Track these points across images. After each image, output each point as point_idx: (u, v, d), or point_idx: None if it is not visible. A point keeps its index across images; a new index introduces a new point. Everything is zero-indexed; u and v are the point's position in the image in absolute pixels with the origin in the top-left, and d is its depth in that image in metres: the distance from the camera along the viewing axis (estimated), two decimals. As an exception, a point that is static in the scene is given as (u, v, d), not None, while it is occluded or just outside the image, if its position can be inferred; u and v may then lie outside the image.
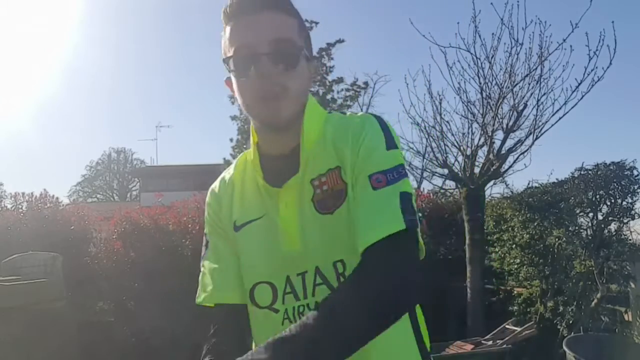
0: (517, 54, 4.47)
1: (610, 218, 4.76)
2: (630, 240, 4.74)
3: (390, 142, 0.90)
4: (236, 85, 0.90)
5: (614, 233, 4.76)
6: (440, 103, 4.98)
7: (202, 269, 1.03)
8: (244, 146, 8.20)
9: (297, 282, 0.91)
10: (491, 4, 4.48)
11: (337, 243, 0.88)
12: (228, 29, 0.90)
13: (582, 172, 4.90)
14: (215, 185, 1.06)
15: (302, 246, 0.90)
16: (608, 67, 4.05)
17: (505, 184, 5.76)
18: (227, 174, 1.05)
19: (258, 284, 0.94)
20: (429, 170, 5.92)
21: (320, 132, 0.94)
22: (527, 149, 4.60)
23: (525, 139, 4.57)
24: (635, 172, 4.65)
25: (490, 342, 4.03)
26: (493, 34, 4.59)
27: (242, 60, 0.87)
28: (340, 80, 15.00)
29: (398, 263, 0.81)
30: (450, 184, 6.07)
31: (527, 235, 4.99)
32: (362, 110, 16.69)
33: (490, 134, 4.69)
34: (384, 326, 0.78)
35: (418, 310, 0.99)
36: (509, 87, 4.54)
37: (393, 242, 0.80)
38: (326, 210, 0.89)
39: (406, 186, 0.86)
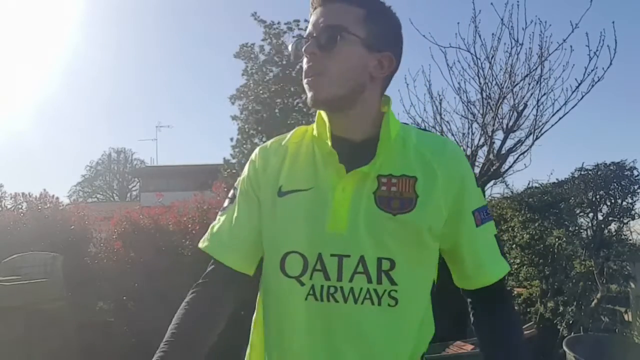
0: (517, 54, 4.47)
1: (610, 218, 4.77)
2: (630, 240, 4.75)
3: (476, 179, 1.01)
4: None
5: (614, 233, 4.76)
6: (440, 103, 4.98)
7: (218, 218, 1.06)
8: (244, 146, 8.18)
9: (330, 263, 0.92)
10: (491, 4, 4.47)
11: (390, 243, 0.92)
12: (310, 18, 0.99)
13: (582, 172, 4.90)
14: (267, 144, 1.07)
15: (350, 231, 0.92)
16: (608, 67, 4.04)
17: (505, 184, 5.74)
18: (281, 138, 1.06)
19: (291, 253, 0.94)
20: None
21: (398, 134, 0.98)
22: (527, 149, 4.59)
23: (525, 139, 4.56)
24: (635, 172, 4.66)
25: (490, 342, 4.02)
26: (493, 34, 4.58)
27: (301, 42, 0.97)
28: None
29: (512, 300, 1.05)
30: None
31: (527, 236, 4.99)
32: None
33: (490, 134, 4.69)
34: None
35: None
36: (509, 87, 4.54)
37: (505, 282, 1.04)
38: (388, 210, 0.92)
39: (495, 229, 1.04)
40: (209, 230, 1.05)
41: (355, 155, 0.95)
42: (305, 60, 0.95)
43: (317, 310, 0.91)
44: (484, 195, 5.32)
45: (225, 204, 1.07)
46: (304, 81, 0.95)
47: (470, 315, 1.06)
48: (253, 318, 1.05)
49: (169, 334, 0.93)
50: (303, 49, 0.94)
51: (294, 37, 8.84)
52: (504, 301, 1.03)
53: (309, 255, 0.93)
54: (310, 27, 0.96)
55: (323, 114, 1.00)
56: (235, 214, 1.02)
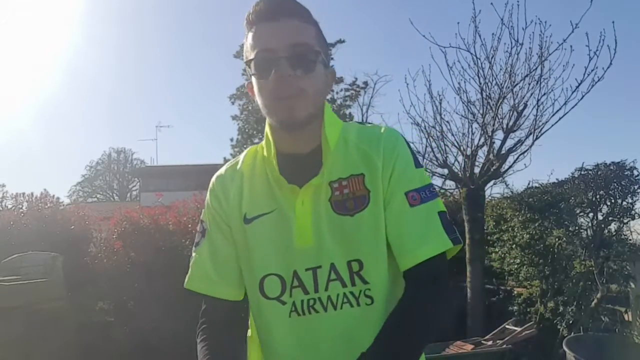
0: (517, 54, 4.48)
1: (610, 218, 4.77)
2: (630, 240, 4.74)
3: (417, 161, 0.99)
4: (256, 87, 0.95)
5: (614, 233, 4.76)
6: (440, 103, 4.99)
7: (194, 255, 1.05)
8: (244, 146, 8.20)
9: (306, 277, 0.95)
10: (491, 4, 4.48)
11: (354, 243, 0.94)
12: (250, 34, 0.95)
13: (582, 172, 4.90)
14: (222, 171, 1.07)
15: (316, 243, 0.94)
16: (608, 67, 4.05)
17: (505, 184, 5.75)
18: (234, 164, 1.06)
19: (268, 276, 0.97)
20: (428, 170, 5.90)
21: (339, 137, 0.99)
22: (527, 149, 4.60)
23: (525, 139, 4.57)
24: (635, 172, 4.66)
25: (490, 342, 4.03)
26: (493, 34, 4.59)
27: (262, 63, 0.92)
28: (340, 80, 15.01)
29: (445, 284, 0.95)
30: (450, 184, 6.06)
31: (527, 235, 4.99)
32: (362, 110, 16.69)
33: (490, 134, 4.69)
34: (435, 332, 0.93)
35: None
36: (509, 87, 4.54)
37: (441, 260, 0.93)
38: (345, 212, 0.94)
39: (442, 205, 0.97)
40: (190, 269, 1.05)
41: (306, 168, 0.96)
42: (274, 80, 0.90)
43: (302, 324, 0.95)
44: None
45: (197, 239, 1.06)
46: (276, 102, 0.92)
47: None
48: (247, 336, 1.07)
49: None
50: (277, 72, 0.89)
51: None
52: (423, 285, 0.91)
53: (285, 274, 0.96)
54: (265, 42, 0.91)
55: (269, 133, 1.00)
56: (213, 247, 1.03)
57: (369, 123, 1.08)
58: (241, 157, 1.07)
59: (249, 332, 1.07)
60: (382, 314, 0.93)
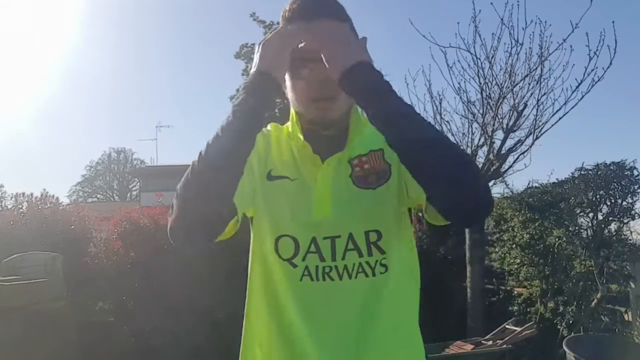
0: (517, 54, 4.47)
1: (610, 218, 4.77)
2: (630, 240, 4.74)
3: None
4: (289, 84, 0.96)
5: (614, 233, 4.76)
6: (440, 103, 4.99)
7: None
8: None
9: (324, 245, 0.96)
10: (491, 4, 4.47)
11: (375, 215, 0.97)
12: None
13: (582, 172, 4.90)
14: (265, 130, 1.08)
15: (335, 215, 0.97)
16: (608, 67, 4.04)
17: (505, 184, 5.75)
18: (262, 131, 1.06)
19: (283, 236, 0.99)
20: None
21: (359, 123, 1.03)
22: (527, 149, 4.59)
23: (525, 139, 4.57)
24: (635, 172, 4.66)
25: (490, 342, 4.03)
26: (493, 34, 4.58)
27: (297, 62, 0.91)
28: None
29: None
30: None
31: (527, 235, 4.99)
32: (361, 110, 16.77)
33: (490, 134, 4.69)
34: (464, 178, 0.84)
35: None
36: (509, 87, 4.54)
37: None
38: (367, 186, 0.98)
39: None
40: None
41: (327, 144, 1.00)
42: (309, 81, 0.92)
43: (313, 290, 0.96)
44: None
45: None
46: (310, 103, 0.95)
47: None
48: (247, 286, 1.06)
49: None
50: (310, 72, 0.91)
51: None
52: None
53: (301, 238, 0.97)
54: (306, 43, 0.90)
55: (295, 117, 1.02)
56: None
57: None
58: (267, 127, 1.09)
59: (249, 284, 1.06)
60: (394, 282, 0.97)
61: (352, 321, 0.95)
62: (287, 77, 0.96)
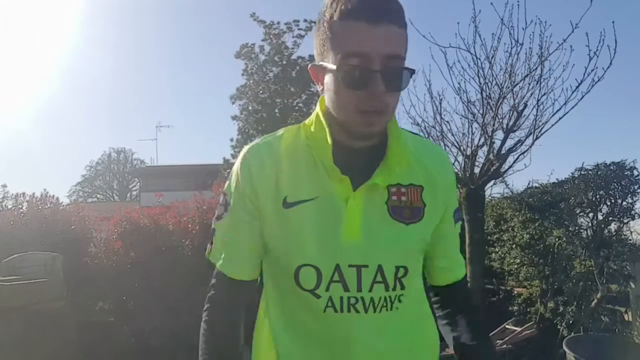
0: (517, 54, 4.46)
1: (610, 218, 4.77)
2: (630, 240, 4.75)
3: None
4: (333, 86, 0.87)
5: (614, 233, 4.77)
6: (440, 103, 4.98)
7: (215, 229, 1.01)
8: (244, 146, 8.17)
9: (349, 273, 0.91)
10: (491, 4, 4.46)
11: (405, 251, 0.95)
12: (342, 25, 0.84)
13: (582, 172, 4.91)
14: (259, 144, 0.98)
15: (365, 241, 0.91)
16: (608, 67, 4.03)
17: (505, 184, 5.75)
18: (270, 140, 0.98)
19: (304, 266, 0.92)
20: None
21: (401, 141, 0.95)
22: (527, 149, 4.58)
23: (525, 139, 4.56)
24: (635, 172, 4.66)
25: (490, 342, 4.02)
26: (493, 34, 4.58)
27: (352, 70, 0.83)
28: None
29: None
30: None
31: (527, 235, 4.99)
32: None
33: (490, 134, 4.68)
34: None
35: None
36: (509, 87, 4.54)
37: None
38: (401, 219, 0.94)
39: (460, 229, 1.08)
40: (213, 242, 1.01)
41: (360, 161, 0.93)
42: (364, 94, 0.84)
43: (337, 321, 0.92)
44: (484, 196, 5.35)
45: (219, 211, 1.00)
46: (357, 114, 0.86)
47: (438, 311, 1.10)
48: (258, 316, 1.05)
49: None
50: (368, 88, 0.83)
51: (294, 37, 8.83)
52: (468, 295, 1.12)
53: (324, 267, 0.91)
54: (360, 46, 0.82)
55: (323, 117, 0.93)
56: (235, 223, 0.97)
57: (414, 132, 1.07)
58: (279, 133, 0.99)
59: (260, 314, 1.05)
60: (404, 318, 0.97)
61: (369, 354, 0.94)
62: (330, 76, 0.87)
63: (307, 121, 0.99)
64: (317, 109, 0.96)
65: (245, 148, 0.99)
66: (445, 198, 1.00)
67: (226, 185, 1.00)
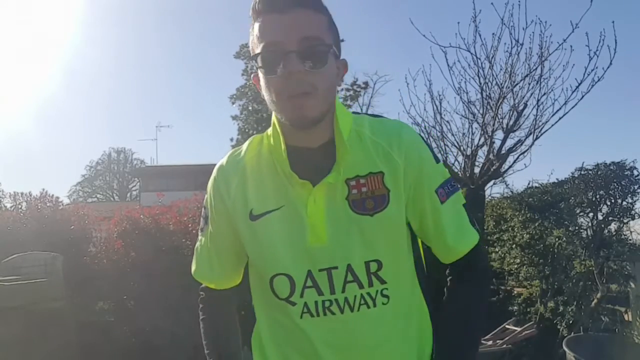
0: (517, 54, 4.46)
1: (610, 218, 4.77)
2: (630, 240, 4.75)
3: (435, 156, 0.98)
4: (263, 82, 0.89)
5: (614, 233, 4.77)
6: (440, 103, 4.98)
7: (199, 240, 1.06)
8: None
9: (320, 277, 0.92)
10: (491, 4, 4.47)
11: (373, 244, 0.92)
12: (257, 25, 0.88)
13: (582, 172, 4.91)
14: (224, 163, 1.01)
15: (331, 242, 0.91)
16: (608, 67, 4.04)
17: (505, 184, 5.75)
18: (237, 153, 1.01)
19: (277, 276, 0.94)
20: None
21: (352, 130, 0.94)
22: (527, 149, 4.59)
23: (525, 139, 4.56)
24: (635, 172, 4.66)
25: (490, 342, 4.02)
26: (493, 34, 4.58)
27: (270, 57, 0.85)
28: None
29: (486, 267, 1.07)
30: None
31: (527, 235, 4.99)
32: (361, 110, 16.75)
33: (490, 134, 4.69)
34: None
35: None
36: (509, 87, 4.54)
37: (478, 250, 1.00)
38: (364, 212, 0.91)
39: (463, 198, 1.02)
40: (195, 254, 1.08)
41: (317, 163, 0.92)
42: (283, 76, 0.84)
43: (315, 326, 0.93)
44: (486, 187, 5.35)
45: (201, 224, 1.06)
46: (285, 100, 0.86)
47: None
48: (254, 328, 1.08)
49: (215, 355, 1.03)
50: (286, 68, 0.83)
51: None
52: (474, 270, 1.00)
53: (296, 274, 0.92)
54: (272, 35, 0.85)
55: (277, 125, 0.93)
56: (214, 235, 1.03)
57: (377, 115, 1.03)
58: (244, 146, 1.01)
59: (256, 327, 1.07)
60: (397, 312, 0.94)
61: (356, 354, 0.93)
62: (260, 74, 0.89)
63: (269, 129, 0.98)
64: (273, 116, 0.95)
65: (216, 166, 1.03)
66: (414, 176, 0.93)
67: (205, 199, 1.05)
